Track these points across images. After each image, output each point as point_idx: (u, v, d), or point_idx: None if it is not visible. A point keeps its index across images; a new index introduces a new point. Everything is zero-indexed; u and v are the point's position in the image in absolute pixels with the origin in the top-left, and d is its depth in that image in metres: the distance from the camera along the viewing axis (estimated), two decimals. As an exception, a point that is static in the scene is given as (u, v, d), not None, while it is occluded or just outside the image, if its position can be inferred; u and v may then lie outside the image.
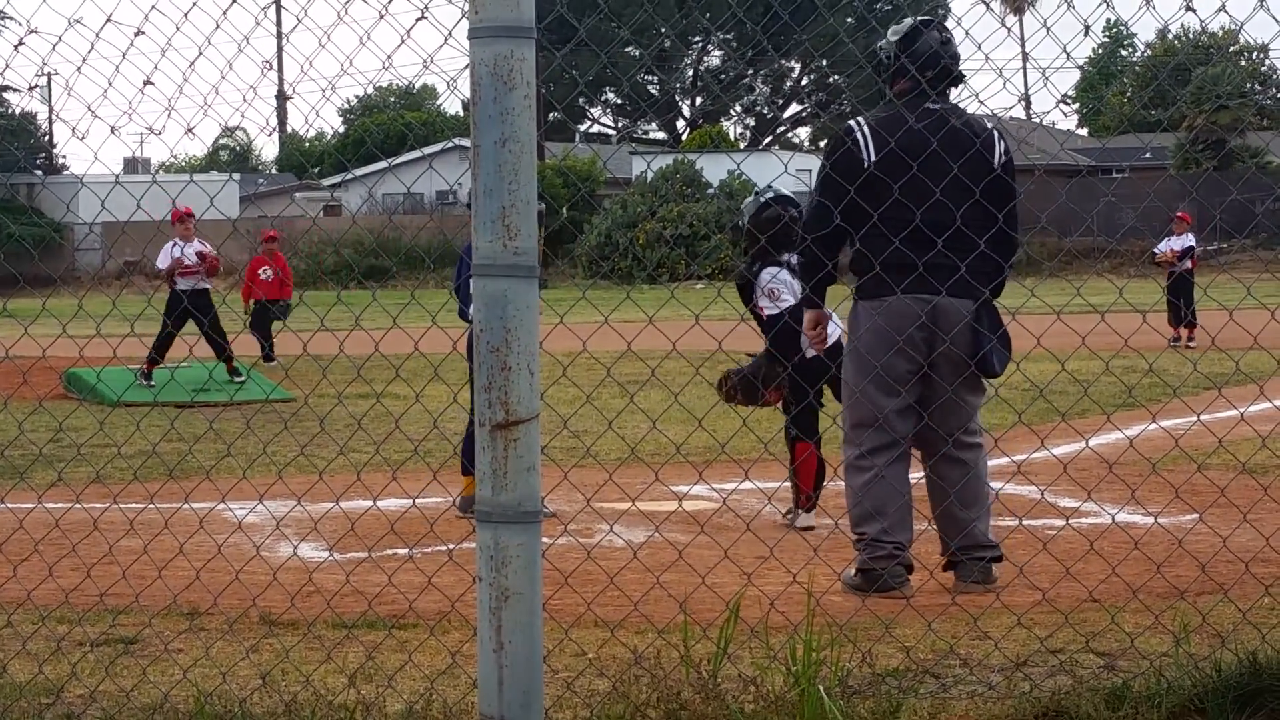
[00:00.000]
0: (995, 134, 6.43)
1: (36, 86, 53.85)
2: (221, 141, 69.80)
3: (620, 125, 72.58)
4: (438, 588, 5.73)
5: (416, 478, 8.55)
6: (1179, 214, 22.12)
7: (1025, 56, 53.31)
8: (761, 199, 8.43)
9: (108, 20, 4.50)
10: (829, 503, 8.50)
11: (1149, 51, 55.16)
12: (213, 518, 7.64)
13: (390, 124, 60.55)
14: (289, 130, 68.30)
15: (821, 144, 68.83)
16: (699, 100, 70.77)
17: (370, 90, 72.03)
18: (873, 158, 6.24)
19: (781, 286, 8.14)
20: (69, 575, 6.36)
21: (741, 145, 64.14)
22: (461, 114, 59.39)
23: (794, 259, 8.26)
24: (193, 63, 4.45)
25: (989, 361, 6.26)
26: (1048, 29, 4.44)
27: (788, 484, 8.42)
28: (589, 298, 4.92)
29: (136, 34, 4.37)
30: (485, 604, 3.43)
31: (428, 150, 51.08)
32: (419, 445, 10.18)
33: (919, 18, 6.61)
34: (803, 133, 75.35)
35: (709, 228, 42.73)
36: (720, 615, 4.78)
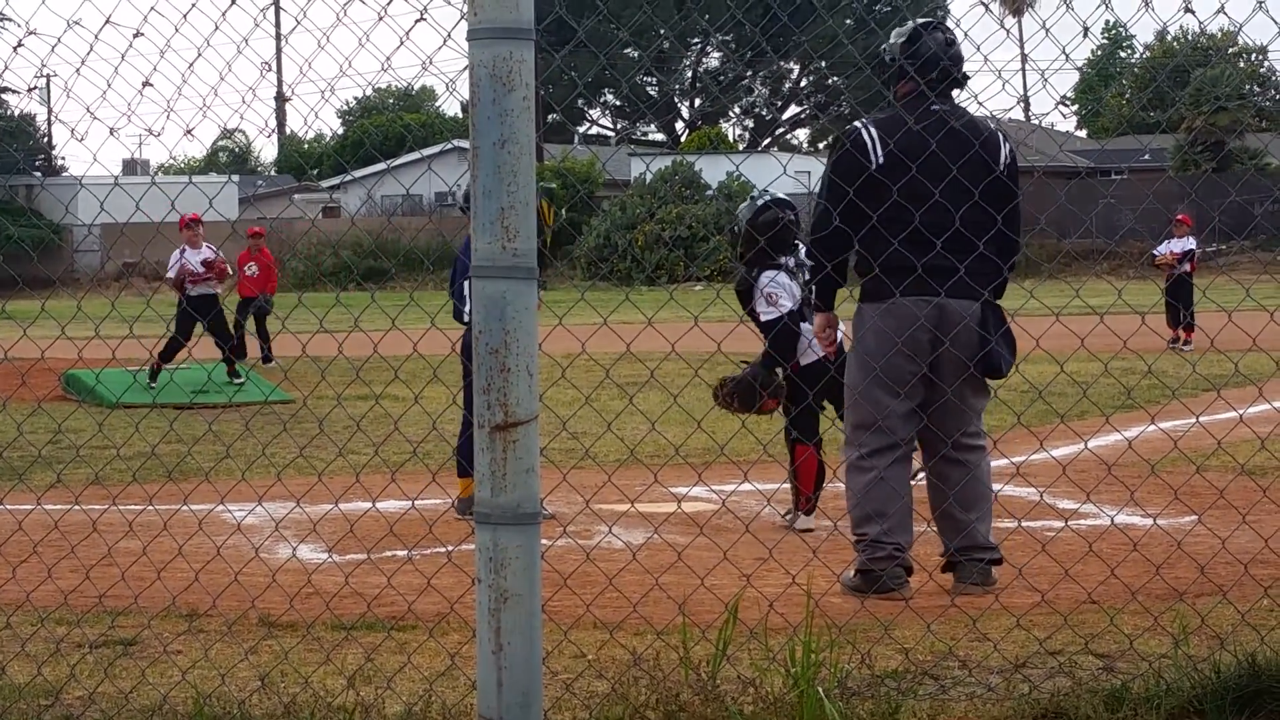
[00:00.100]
0: (1000, 136, 6.44)
1: (35, 88, 53.93)
2: (220, 143, 69.88)
3: (619, 127, 72.60)
4: (437, 589, 5.73)
5: (415, 479, 8.55)
6: (1180, 216, 22.07)
7: (1024, 58, 53.44)
8: (758, 202, 8.43)
9: (107, 22, 4.50)
10: (828, 505, 8.50)
11: (1148, 53, 55.18)
12: (212, 519, 7.63)
13: (389, 125, 60.59)
14: (288, 132, 68.38)
15: (821, 146, 68.93)
16: (698, 102, 70.80)
17: (369, 92, 72.10)
18: (880, 160, 6.23)
19: (779, 290, 8.14)
20: (68, 577, 6.36)
21: (740, 147, 64.13)
22: (460, 115, 59.45)
23: (791, 261, 8.27)
24: (192, 64, 4.45)
25: (995, 363, 6.27)
26: (1047, 30, 4.45)
27: (787, 486, 8.42)
28: (588, 299, 4.92)
29: (135, 35, 4.37)
30: (484, 605, 3.43)
31: (427, 152, 51.11)
32: (418, 447, 10.18)
33: (922, 19, 6.61)
34: (802, 134, 75.42)
35: (708, 229, 42.75)
36: (719, 617, 4.78)
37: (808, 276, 8.31)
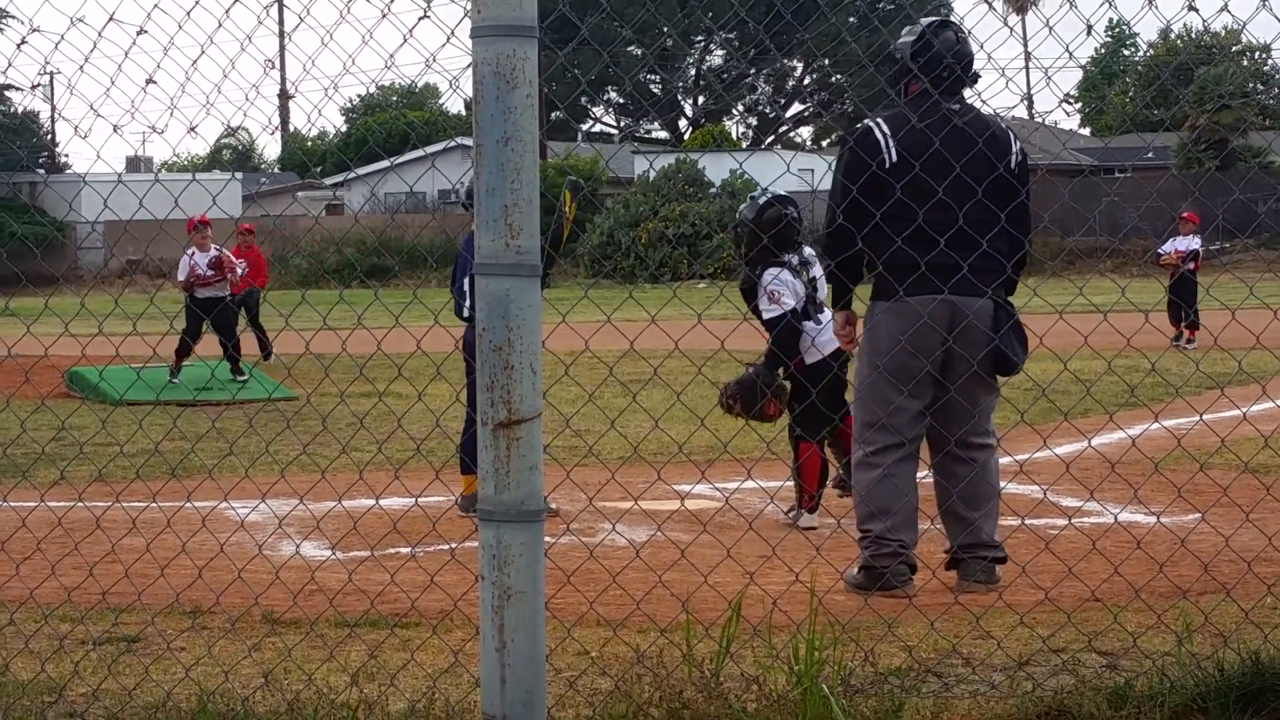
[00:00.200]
0: (1010, 134, 6.43)
1: (39, 85, 53.97)
2: (224, 140, 69.85)
3: (622, 124, 72.58)
4: (440, 586, 5.73)
5: (419, 477, 8.55)
6: (1185, 214, 22.01)
7: (1028, 56, 53.43)
8: (760, 200, 8.42)
9: (110, 19, 4.51)
10: (831, 502, 8.50)
11: (1151, 51, 55.17)
12: (215, 516, 7.64)
13: (392, 123, 60.54)
14: (291, 129, 68.32)
15: (824, 144, 68.92)
16: (701, 99, 70.77)
17: (373, 89, 72.12)
18: (893, 158, 6.22)
19: (782, 288, 8.12)
20: (71, 574, 6.36)
21: (744, 144, 64.11)
22: (464, 113, 59.40)
23: (795, 259, 8.26)
24: (195, 61, 4.45)
25: (1009, 361, 6.27)
26: (1050, 29, 4.44)
27: (790, 483, 8.42)
28: (591, 297, 4.92)
29: (139, 33, 4.37)
30: (488, 603, 3.43)
31: (430, 149, 51.06)
32: (421, 444, 10.18)
33: (934, 18, 6.61)
34: (805, 132, 75.40)
35: (711, 227, 42.73)
36: (723, 614, 4.78)
37: (812, 274, 8.31)
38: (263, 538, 7.41)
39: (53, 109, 65.19)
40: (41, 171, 57.45)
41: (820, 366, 8.15)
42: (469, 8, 3.43)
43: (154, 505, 5.97)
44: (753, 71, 69.89)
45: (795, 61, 68.38)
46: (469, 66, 3.44)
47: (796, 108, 72.85)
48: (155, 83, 4.49)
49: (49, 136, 62.96)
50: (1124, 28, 67.53)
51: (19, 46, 5.11)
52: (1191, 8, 4.33)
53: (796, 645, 4.30)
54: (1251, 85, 53.72)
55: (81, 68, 4.72)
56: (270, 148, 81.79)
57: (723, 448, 5.90)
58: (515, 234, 3.40)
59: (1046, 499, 8.16)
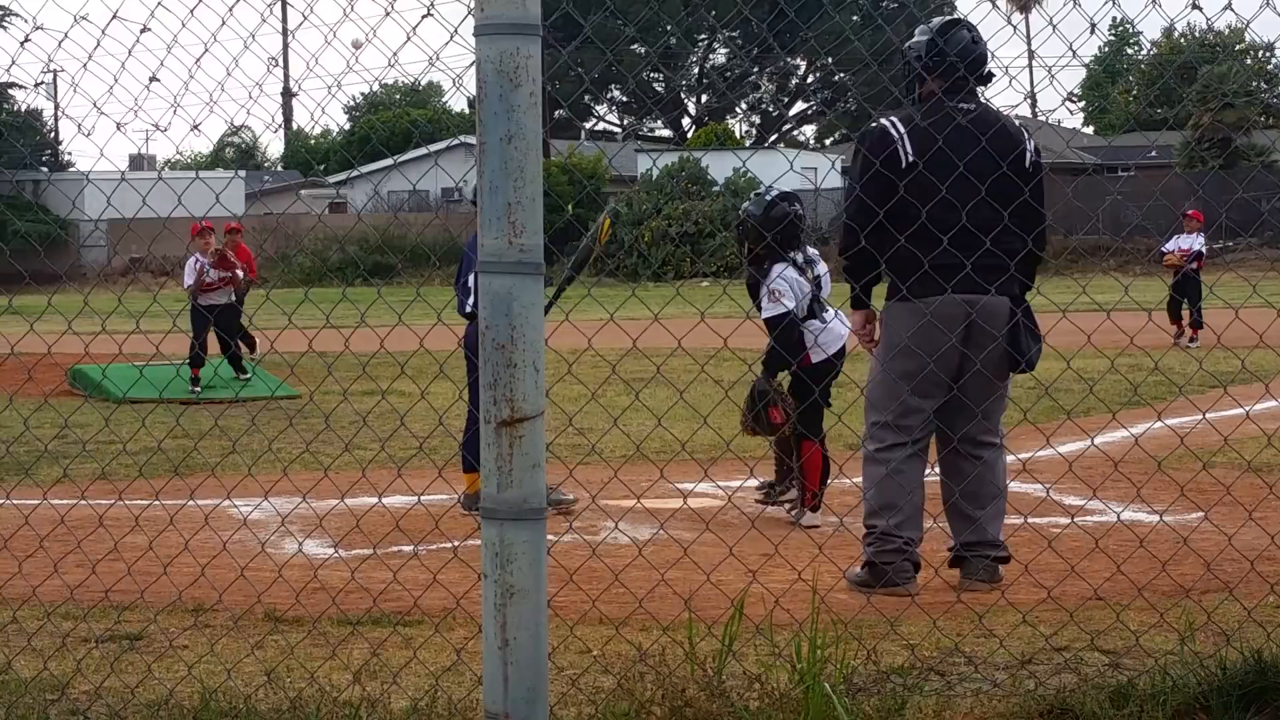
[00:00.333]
0: (1025, 133, 6.43)
1: (42, 83, 53.95)
2: (227, 138, 69.86)
3: (626, 122, 72.56)
4: (443, 584, 5.73)
5: (421, 475, 8.55)
6: (1190, 212, 21.98)
7: (1031, 54, 53.36)
8: (766, 197, 8.42)
9: (114, 17, 4.51)
10: (834, 501, 8.50)
11: (1155, 49, 55.14)
12: (218, 514, 7.64)
13: (396, 121, 60.56)
14: (294, 127, 68.36)
15: (827, 142, 68.88)
16: (704, 98, 70.75)
17: (376, 87, 72.13)
18: (910, 157, 6.20)
19: (784, 286, 8.11)
20: (74, 571, 6.36)
21: (747, 143, 64.09)
22: (467, 111, 59.41)
23: (800, 257, 8.26)
24: (199, 60, 4.45)
25: (1028, 360, 6.28)
26: (1054, 27, 4.44)
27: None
28: (594, 295, 4.92)
29: (142, 31, 4.38)
30: (490, 601, 3.43)
31: (433, 147, 51.07)
32: (424, 442, 10.19)
33: (946, 18, 6.60)
34: (808, 130, 75.39)
35: (714, 225, 42.72)
36: (725, 612, 4.78)
37: (816, 273, 8.31)
38: (265, 536, 7.41)
39: (56, 107, 65.25)
40: (45, 169, 57.48)
41: (824, 365, 8.14)
42: (472, 6, 3.42)
43: (157, 503, 5.97)
44: (756, 70, 69.88)
45: (799, 60, 68.38)
46: (472, 64, 3.43)
47: (800, 106, 72.92)
48: (159, 80, 4.49)
49: (52, 134, 62.98)
50: (1127, 26, 67.49)
51: (23, 44, 5.11)
52: (1195, 6, 4.33)
53: (799, 643, 4.30)
54: (1255, 84, 53.66)
55: (85, 66, 4.73)
56: (274, 146, 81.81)
57: (725, 446, 5.90)
58: (518, 232, 3.39)
59: (1049, 497, 8.16)
